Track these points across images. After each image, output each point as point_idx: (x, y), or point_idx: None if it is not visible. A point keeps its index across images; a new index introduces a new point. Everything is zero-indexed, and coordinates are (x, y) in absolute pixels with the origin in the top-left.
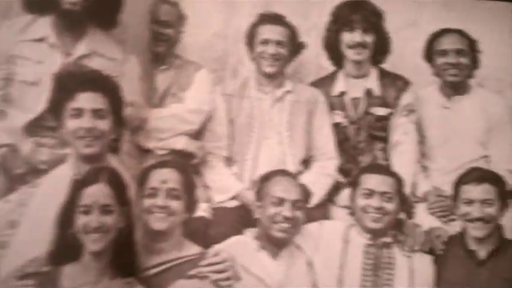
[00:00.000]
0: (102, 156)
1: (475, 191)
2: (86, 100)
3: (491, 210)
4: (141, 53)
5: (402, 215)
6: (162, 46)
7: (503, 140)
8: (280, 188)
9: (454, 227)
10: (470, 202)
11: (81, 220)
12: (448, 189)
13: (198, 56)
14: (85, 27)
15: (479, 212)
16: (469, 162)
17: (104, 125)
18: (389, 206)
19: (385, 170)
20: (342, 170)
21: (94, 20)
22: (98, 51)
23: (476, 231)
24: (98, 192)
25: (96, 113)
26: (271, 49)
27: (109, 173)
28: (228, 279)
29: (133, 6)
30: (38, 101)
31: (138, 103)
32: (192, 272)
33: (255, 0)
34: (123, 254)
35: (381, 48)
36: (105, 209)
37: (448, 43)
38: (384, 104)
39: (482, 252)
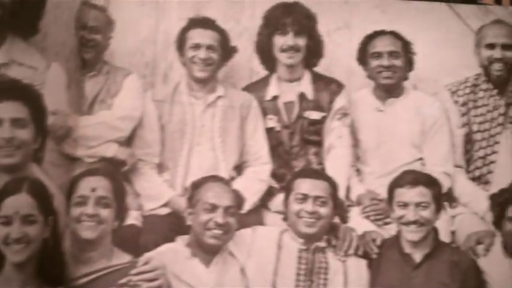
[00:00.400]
0: (23, 166)
1: (409, 194)
2: (5, 109)
3: (426, 213)
4: (67, 60)
5: (336, 219)
6: (90, 52)
7: (437, 142)
8: (212, 194)
9: (389, 231)
10: (405, 205)
11: (1, 231)
12: (382, 192)
13: (127, 62)
14: (3, 35)
15: (414, 215)
16: (404, 165)
17: (24, 134)
18: (323, 211)
19: (318, 174)
20: (276, 175)
21: (12, 28)
22: (17, 59)
23: (411, 234)
24: (19, 203)
25: (16, 123)
26: (202, 54)
27: (31, 183)
28: (159, 287)
29: (57, 13)
30: None
31: (63, 111)
32: (123, 280)
33: (185, 4)
34: (49, 264)
35: (313, 51)
36: (27, 219)
37: (381, 45)
38: (318, 107)
39: (417, 256)
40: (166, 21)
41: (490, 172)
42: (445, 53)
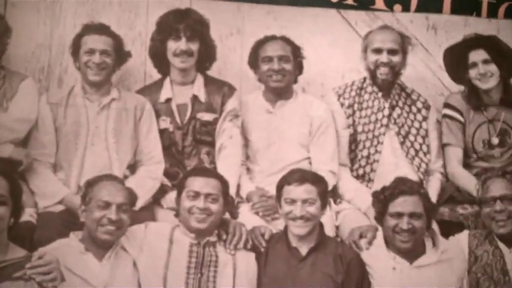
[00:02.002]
0: None
1: (296, 191)
2: None
3: (312, 209)
4: None
5: (227, 215)
6: None
7: (324, 142)
8: (105, 192)
9: (278, 226)
10: (292, 201)
11: None
12: (271, 190)
13: (23, 67)
14: None
15: (301, 211)
16: (292, 164)
17: None
18: (214, 207)
19: (210, 172)
20: (169, 174)
21: None
22: None
23: (297, 229)
24: None
25: None
26: (96, 58)
27: None
28: (52, 280)
29: None
30: None
31: None
32: (18, 274)
33: (80, 11)
34: None
35: (206, 56)
36: None
37: (271, 50)
38: (210, 109)
39: (303, 249)
40: (61, 28)
41: (373, 171)
42: (333, 57)
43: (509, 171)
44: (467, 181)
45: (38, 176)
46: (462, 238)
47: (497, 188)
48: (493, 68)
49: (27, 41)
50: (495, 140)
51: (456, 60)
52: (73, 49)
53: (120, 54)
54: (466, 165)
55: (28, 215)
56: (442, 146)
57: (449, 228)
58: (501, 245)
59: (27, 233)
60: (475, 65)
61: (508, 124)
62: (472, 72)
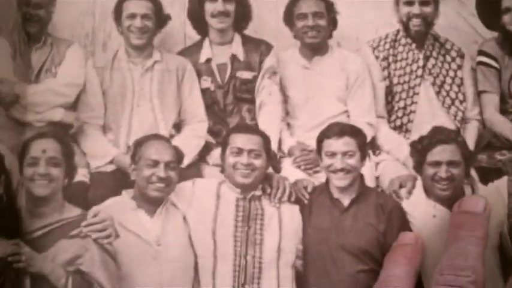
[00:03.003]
0: None
1: (336, 144)
2: None
3: (352, 161)
4: (11, 34)
5: (270, 170)
6: (34, 26)
7: (361, 95)
8: (153, 151)
9: (319, 178)
10: (332, 154)
11: None
12: (311, 143)
13: (68, 33)
14: None
15: (341, 163)
16: (330, 118)
17: None
18: (258, 162)
19: (252, 129)
20: (212, 132)
21: None
22: None
23: (339, 181)
24: None
25: None
26: (137, 22)
27: None
28: (107, 237)
29: None
30: None
31: (10, 80)
32: (74, 232)
33: None
34: (5, 219)
35: (242, 16)
36: None
37: (305, 7)
38: (249, 67)
39: (345, 200)
40: None
41: (410, 121)
42: (366, 11)
43: None
44: (505, 127)
45: (88, 137)
46: (501, 184)
47: None
48: None
49: (71, 9)
50: None
51: (489, 6)
52: (115, 15)
53: (160, 18)
54: (503, 111)
55: (81, 175)
56: (478, 93)
57: (488, 175)
58: None
59: (81, 193)
60: (508, 10)
61: None
62: (506, 18)
